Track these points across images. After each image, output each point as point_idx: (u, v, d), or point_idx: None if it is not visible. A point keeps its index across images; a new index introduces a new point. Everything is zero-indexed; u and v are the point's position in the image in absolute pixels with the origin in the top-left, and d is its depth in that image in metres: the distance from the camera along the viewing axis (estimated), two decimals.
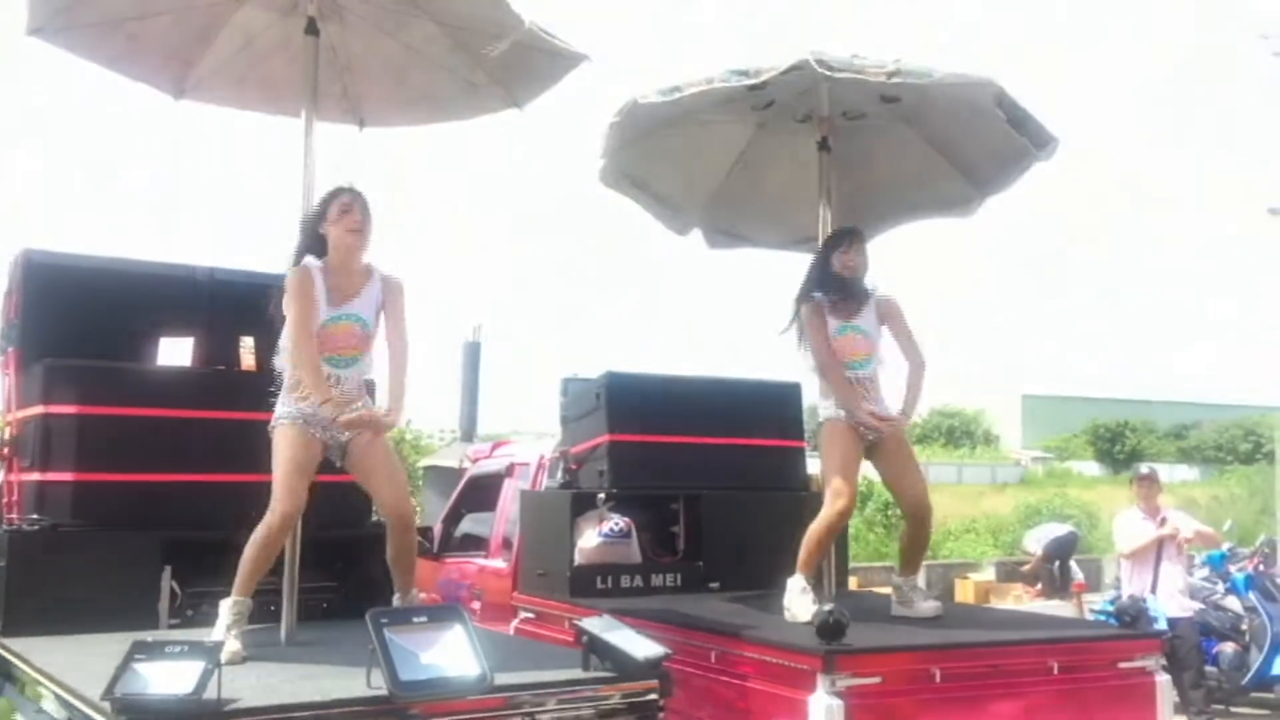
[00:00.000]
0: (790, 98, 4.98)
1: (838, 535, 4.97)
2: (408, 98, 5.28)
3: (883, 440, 4.75)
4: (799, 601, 4.53)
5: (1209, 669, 8.21)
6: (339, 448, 3.99)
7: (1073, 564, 16.09)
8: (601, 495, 5.73)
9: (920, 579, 4.95)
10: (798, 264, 5.12)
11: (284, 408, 3.94)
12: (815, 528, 4.67)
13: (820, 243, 5.04)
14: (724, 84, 4.40)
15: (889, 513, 20.45)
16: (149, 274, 5.18)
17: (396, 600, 4.01)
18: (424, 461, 15.68)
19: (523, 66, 4.81)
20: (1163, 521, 7.85)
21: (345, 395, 3.96)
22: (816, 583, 4.76)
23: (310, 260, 4.04)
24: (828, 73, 4.24)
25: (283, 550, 4.00)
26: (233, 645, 3.59)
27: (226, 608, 3.78)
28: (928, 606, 4.74)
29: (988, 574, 17.80)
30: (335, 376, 3.96)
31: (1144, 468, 8.76)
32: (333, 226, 4.03)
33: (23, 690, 3.67)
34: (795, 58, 4.26)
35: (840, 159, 5.20)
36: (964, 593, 15.94)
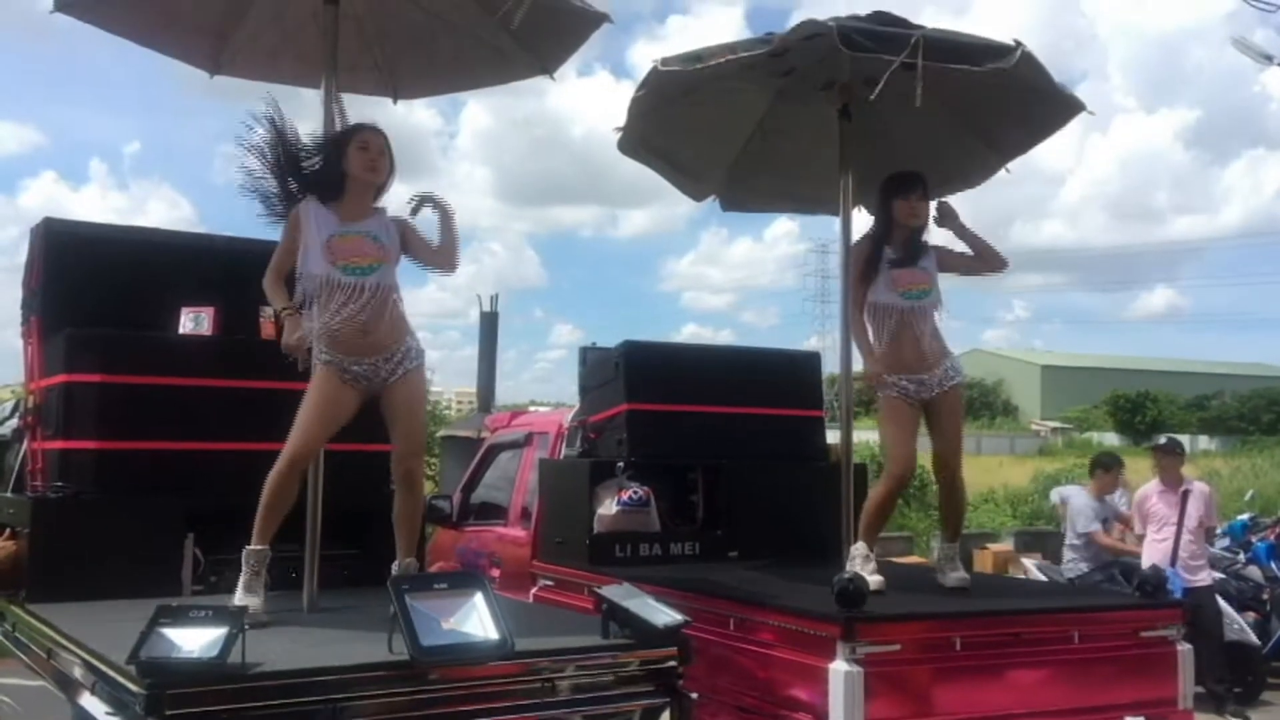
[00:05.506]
0: (811, 65, 4.91)
1: (893, 503, 4.92)
2: (438, 67, 5.27)
3: (936, 400, 4.73)
4: (860, 569, 4.51)
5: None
6: (380, 387, 3.95)
7: None
8: (620, 464, 5.74)
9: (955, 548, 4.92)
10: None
11: (318, 352, 3.91)
12: (871, 496, 4.84)
13: (880, 187, 4.96)
14: (747, 53, 4.36)
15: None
16: (168, 243, 5.19)
17: (394, 568, 3.97)
18: (442, 432, 15.71)
19: (547, 29, 4.77)
20: (1185, 495, 7.80)
21: (372, 305, 3.89)
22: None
23: (311, 202, 3.99)
24: (848, 50, 4.20)
25: (304, 518, 4.01)
26: (253, 601, 3.65)
27: (245, 558, 3.82)
28: (953, 577, 4.74)
29: (1007, 544, 17.78)
30: (356, 285, 3.88)
31: (1162, 438, 8.35)
32: (348, 163, 4.00)
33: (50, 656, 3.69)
34: (816, 26, 4.22)
35: (860, 127, 5.13)
36: (983, 563, 15.88)
